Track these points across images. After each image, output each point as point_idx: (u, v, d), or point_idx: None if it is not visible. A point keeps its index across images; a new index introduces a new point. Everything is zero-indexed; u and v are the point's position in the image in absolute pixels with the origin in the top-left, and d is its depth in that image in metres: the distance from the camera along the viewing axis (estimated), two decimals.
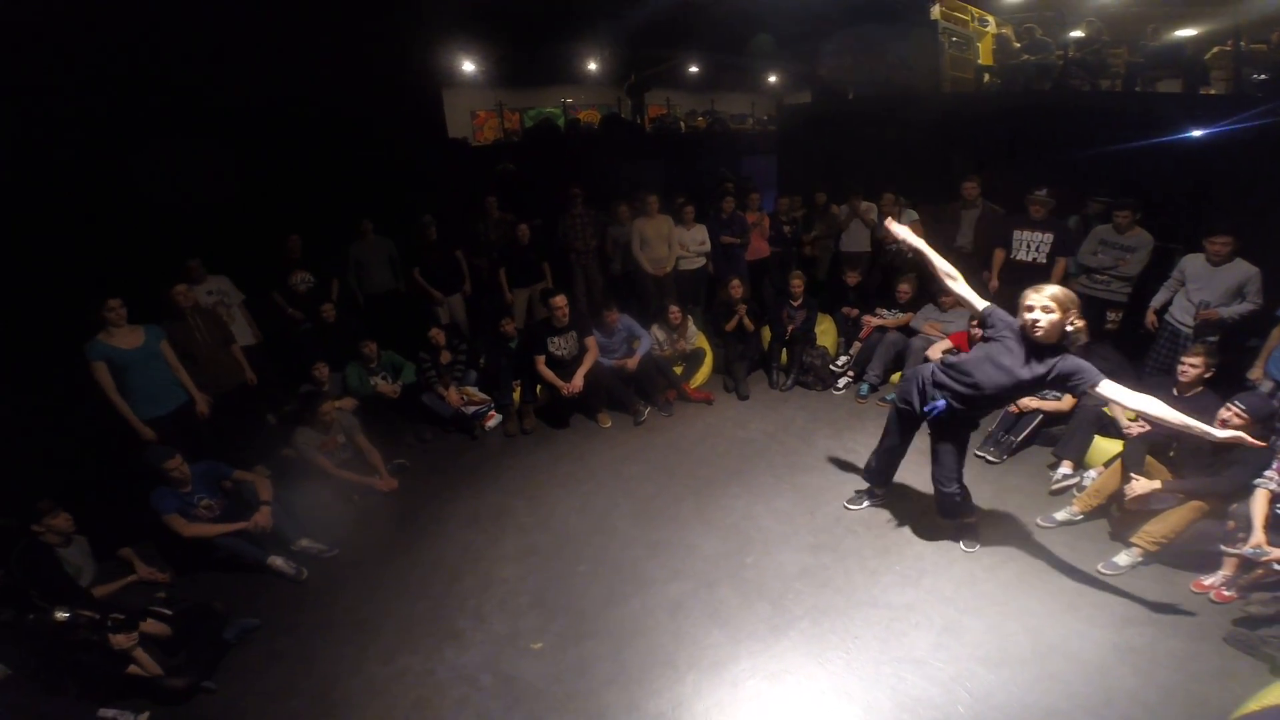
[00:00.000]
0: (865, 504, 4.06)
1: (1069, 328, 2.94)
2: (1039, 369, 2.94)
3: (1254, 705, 2.43)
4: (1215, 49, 7.70)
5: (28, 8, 4.58)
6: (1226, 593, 3.17)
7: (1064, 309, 2.89)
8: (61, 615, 2.96)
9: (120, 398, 4.01)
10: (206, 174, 5.52)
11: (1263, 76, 6.82)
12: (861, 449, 4.69)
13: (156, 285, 4.51)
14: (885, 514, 3.98)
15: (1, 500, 3.69)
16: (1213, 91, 7.33)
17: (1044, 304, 2.88)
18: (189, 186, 5.44)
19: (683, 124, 15.84)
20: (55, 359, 4.24)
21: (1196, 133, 5.58)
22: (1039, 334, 2.90)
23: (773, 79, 17.98)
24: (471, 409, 5.39)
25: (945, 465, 3.47)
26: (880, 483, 4.00)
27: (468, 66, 13.42)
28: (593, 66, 15.12)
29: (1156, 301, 4.79)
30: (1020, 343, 3.00)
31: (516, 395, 5.52)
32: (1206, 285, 4.47)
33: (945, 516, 3.66)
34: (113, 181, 5.23)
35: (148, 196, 5.27)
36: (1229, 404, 3.33)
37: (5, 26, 4.53)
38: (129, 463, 3.92)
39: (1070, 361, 2.90)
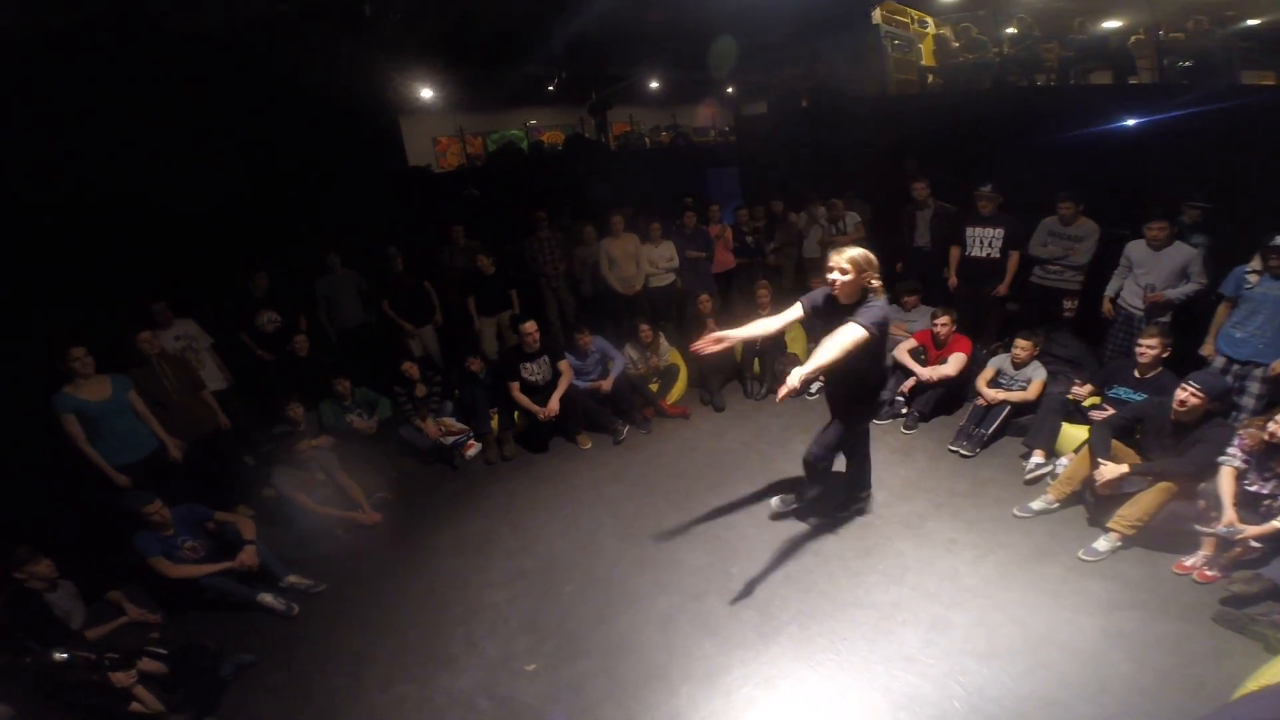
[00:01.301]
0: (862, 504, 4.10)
1: (870, 286, 3.15)
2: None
3: (1253, 685, 2.40)
4: (1133, 38, 8.02)
5: None
6: (1209, 572, 3.18)
7: (859, 270, 3.09)
8: (60, 656, 2.97)
9: (91, 448, 3.98)
10: (164, 213, 5.48)
11: (1187, 63, 7.10)
12: None
13: (121, 331, 4.45)
14: (864, 515, 4.03)
15: None
16: (1139, 81, 7.61)
17: (841, 265, 3.09)
18: (146, 226, 5.40)
19: (647, 140, 15.99)
20: (28, 405, 4.17)
21: (1130, 121, 5.79)
22: (837, 292, 3.15)
23: (730, 90, 18.22)
24: (450, 439, 5.37)
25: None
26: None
27: (426, 93, 13.41)
28: (553, 88, 15.20)
29: (1110, 289, 4.94)
30: (830, 306, 3.24)
31: (495, 423, 5.51)
32: (1152, 269, 4.63)
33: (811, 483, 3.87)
34: (71, 224, 5.17)
35: (104, 238, 5.21)
36: (1184, 384, 3.44)
37: None
38: (110, 507, 3.90)
39: (863, 308, 3.07)
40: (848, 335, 2.98)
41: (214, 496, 4.34)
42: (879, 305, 3.13)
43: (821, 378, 3.56)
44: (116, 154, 5.47)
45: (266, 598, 3.82)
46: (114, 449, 4.06)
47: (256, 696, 3.28)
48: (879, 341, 3.18)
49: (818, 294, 3.34)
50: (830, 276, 3.14)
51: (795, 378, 2.81)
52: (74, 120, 5.24)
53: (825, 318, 3.27)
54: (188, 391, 4.66)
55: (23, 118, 4.95)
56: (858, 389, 3.49)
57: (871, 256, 3.16)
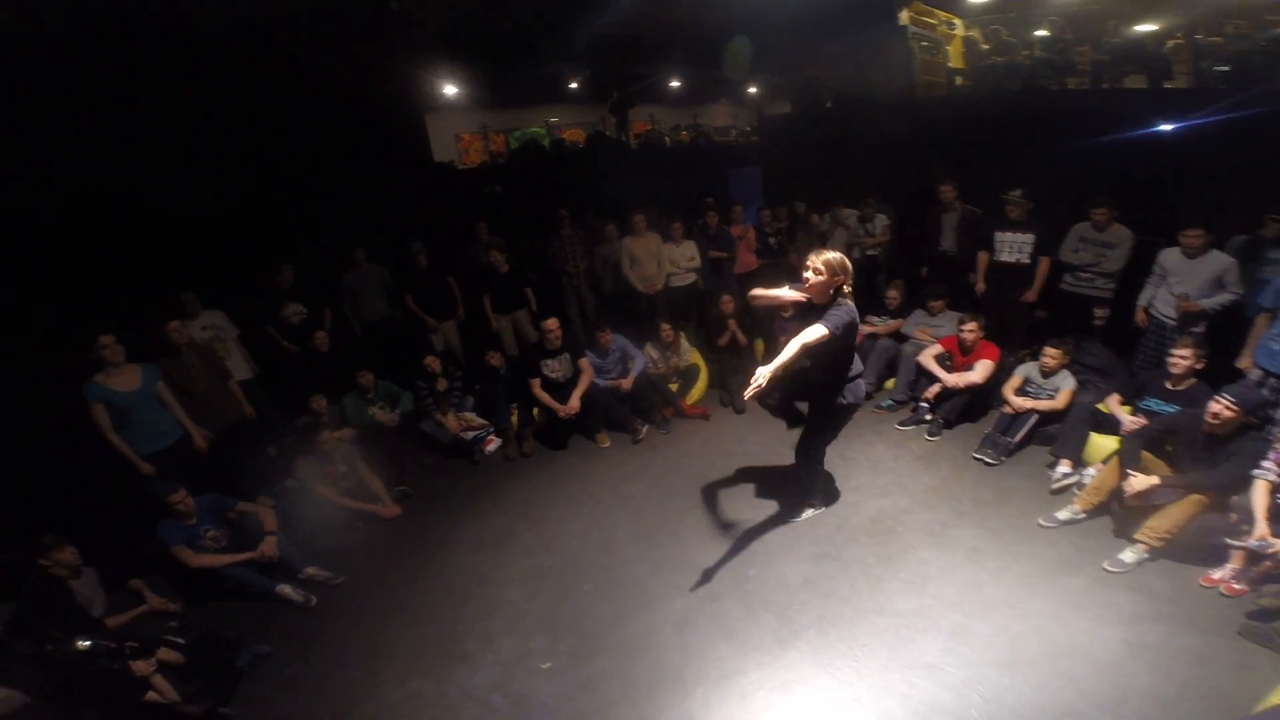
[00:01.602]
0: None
1: (841, 291, 3.28)
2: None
3: (1275, 698, 2.40)
4: (1171, 42, 7.85)
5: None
6: (1237, 586, 3.12)
7: (831, 273, 3.22)
8: (83, 644, 2.99)
9: (118, 437, 4.02)
10: (192, 207, 5.56)
11: (1224, 68, 6.95)
12: (859, 456, 4.73)
13: (150, 321, 4.52)
14: (887, 522, 3.99)
15: (7, 534, 3.71)
16: (1175, 85, 7.45)
17: (816, 266, 3.24)
18: (175, 220, 5.48)
19: (668, 139, 15.95)
20: (56, 393, 4.24)
21: (1165, 126, 5.66)
22: (807, 290, 3.28)
23: (753, 90, 18.14)
24: (470, 434, 5.40)
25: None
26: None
27: (450, 90, 13.50)
28: (575, 85, 15.22)
29: (1143, 299, 4.83)
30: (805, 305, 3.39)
31: (514, 419, 5.53)
32: (1186, 278, 4.52)
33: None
34: (103, 216, 5.26)
35: (134, 231, 5.30)
36: (1217, 396, 3.37)
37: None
38: (134, 495, 3.96)
39: (830, 311, 3.19)
40: (810, 334, 3.08)
41: (237, 486, 4.39)
42: (846, 309, 3.23)
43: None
44: (146, 149, 5.55)
45: (285, 589, 3.85)
46: (141, 438, 4.11)
47: (271, 688, 3.30)
48: (844, 346, 3.32)
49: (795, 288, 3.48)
50: (805, 275, 3.28)
51: (762, 376, 2.91)
52: (104, 116, 5.33)
53: (800, 315, 3.42)
54: (214, 381, 4.72)
55: (57, 111, 5.04)
56: (821, 391, 3.60)
57: (848, 263, 3.30)
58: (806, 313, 3.35)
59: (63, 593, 3.47)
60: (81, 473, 4.24)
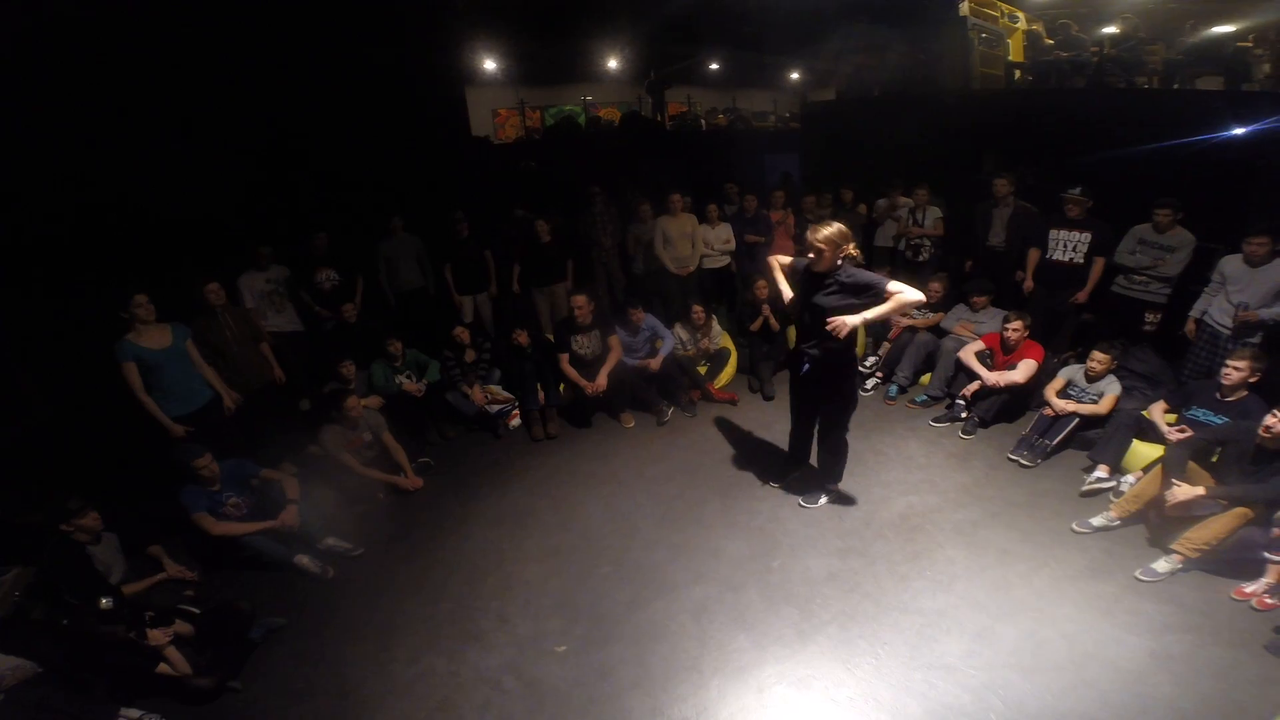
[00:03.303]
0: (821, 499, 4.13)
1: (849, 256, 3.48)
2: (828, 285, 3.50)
3: None
4: (1251, 36, 7.50)
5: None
6: (1270, 600, 3.08)
7: (834, 246, 3.41)
8: (106, 603, 2.98)
9: (149, 397, 4.01)
10: (235, 174, 5.60)
11: None
12: (890, 451, 4.63)
13: (189, 283, 4.53)
14: (915, 519, 3.90)
15: (32, 497, 3.74)
16: (1255, 88, 7.10)
17: (818, 245, 3.41)
18: (218, 187, 5.52)
19: (703, 121, 15.74)
20: (85, 356, 4.28)
21: (1238, 130, 5.39)
22: (815, 267, 3.50)
23: (795, 76, 17.81)
24: (495, 407, 5.38)
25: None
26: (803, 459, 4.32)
27: (489, 65, 13.44)
28: (613, 64, 15.07)
29: (1196, 310, 4.64)
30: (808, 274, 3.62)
31: (541, 398, 5.48)
32: (1246, 286, 4.34)
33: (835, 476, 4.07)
34: (144, 182, 5.31)
35: (176, 197, 5.35)
36: (1276, 410, 3.26)
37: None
38: (159, 460, 3.94)
39: (865, 279, 3.41)
40: (910, 294, 3.27)
41: (260, 451, 4.35)
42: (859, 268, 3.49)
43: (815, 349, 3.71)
44: (194, 119, 5.60)
45: (303, 560, 3.81)
46: (170, 399, 4.09)
47: (282, 660, 3.26)
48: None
49: (799, 262, 3.69)
50: (809, 255, 3.48)
51: (849, 322, 3.28)
52: (156, 86, 5.37)
53: (805, 285, 3.62)
54: (247, 343, 4.75)
55: (114, 75, 5.09)
56: (840, 361, 3.68)
57: (846, 229, 3.45)
58: (811, 279, 3.55)
59: (82, 559, 3.43)
60: (108, 435, 4.26)
